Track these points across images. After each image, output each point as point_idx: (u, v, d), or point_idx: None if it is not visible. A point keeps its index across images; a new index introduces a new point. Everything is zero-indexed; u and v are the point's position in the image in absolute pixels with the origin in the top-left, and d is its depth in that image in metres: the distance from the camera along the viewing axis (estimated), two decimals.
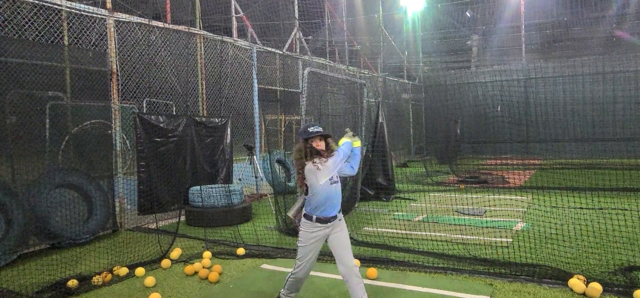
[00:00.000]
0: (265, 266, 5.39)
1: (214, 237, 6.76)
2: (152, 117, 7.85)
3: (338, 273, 3.80)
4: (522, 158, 16.54)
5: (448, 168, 14.08)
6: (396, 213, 8.11)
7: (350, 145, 3.82)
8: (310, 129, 3.68)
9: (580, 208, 7.31)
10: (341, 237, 3.76)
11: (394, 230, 6.80)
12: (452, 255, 5.41)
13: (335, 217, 3.74)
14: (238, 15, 10.98)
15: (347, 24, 16.30)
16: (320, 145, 3.66)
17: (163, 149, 7.90)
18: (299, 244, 3.78)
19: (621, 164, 13.37)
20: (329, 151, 3.69)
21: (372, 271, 4.86)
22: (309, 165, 3.61)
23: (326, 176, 3.61)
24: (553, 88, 18.20)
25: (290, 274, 3.88)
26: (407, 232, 6.62)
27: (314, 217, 3.67)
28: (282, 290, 3.97)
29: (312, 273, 4.69)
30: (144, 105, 8.30)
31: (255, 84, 10.55)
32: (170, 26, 8.52)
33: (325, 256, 5.59)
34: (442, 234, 6.45)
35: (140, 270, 5.20)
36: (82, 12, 6.95)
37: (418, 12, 20.65)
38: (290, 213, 3.88)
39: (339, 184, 3.76)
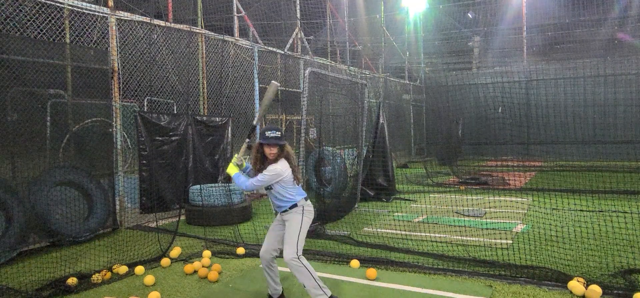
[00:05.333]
0: None
1: (214, 236, 6.76)
2: (154, 115, 7.86)
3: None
4: (523, 160, 16.52)
5: (448, 169, 14.07)
6: (396, 214, 8.11)
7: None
8: (268, 134, 3.91)
9: (581, 210, 7.31)
10: (287, 227, 4.02)
11: (394, 231, 6.79)
12: (451, 256, 5.41)
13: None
14: (240, 14, 10.98)
15: (349, 24, 16.29)
16: (272, 152, 3.90)
17: (164, 148, 7.91)
18: (301, 229, 4.04)
19: (622, 167, 13.36)
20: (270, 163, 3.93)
21: (372, 271, 4.86)
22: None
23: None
24: (554, 90, 18.18)
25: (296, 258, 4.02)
26: (407, 232, 6.62)
27: (307, 198, 4.12)
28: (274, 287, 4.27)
29: None
30: (145, 103, 8.30)
31: (257, 84, 10.56)
32: (172, 25, 8.52)
33: (323, 256, 5.59)
34: (442, 235, 6.45)
35: (139, 269, 5.21)
36: (84, 10, 6.95)
37: (420, 13, 20.65)
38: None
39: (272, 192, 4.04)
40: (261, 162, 3.98)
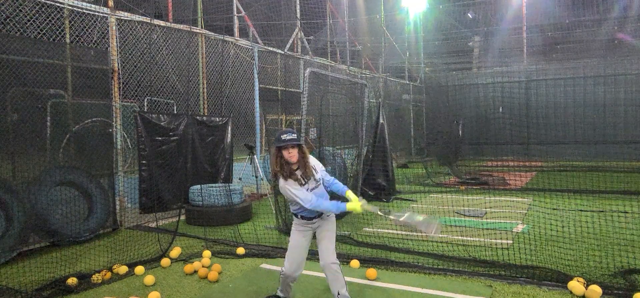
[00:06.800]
0: (265, 266, 5.39)
1: (214, 236, 6.76)
2: (153, 115, 7.86)
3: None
4: (523, 160, 16.52)
5: (448, 170, 14.07)
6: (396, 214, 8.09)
7: (341, 206, 3.64)
8: (284, 137, 3.61)
9: (581, 210, 7.31)
10: (324, 233, 3.81)
11: (394, 231, 6.79)
12: (451, 256, 5.41)
13: (318, 216, 3.79)
14: (240, 14, 10.98)
15: (349, 24, 16.29)
16: (292, 154, 3.61)
17: (164, 148, 7.90)
18: (289, 241, 3.91)
19: (622, 167, 13.36)
20: (303, 163, 3.66)
21: (372, 272, 4.86)
22: (281, 183, 3.63)
23: (300, 191, 3.61)
24: (554, 90, 18.19)
25: (281, 272, 3.99)
26: (407, 232, 6.61)
27: (298, 215, 3.78)
28: (279, 292, 4.11)
29: (307, 272, 4.71)
30: (145, 103, 8.30)
31: (257, 84, 10.56)
32: (172, 25, 8.52)
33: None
34: (442, 235, 6.44)
35: (139, 269, 5.21)
36: (84, 10, 6.95)
37: (420, 13, 20.65)
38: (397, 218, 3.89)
39: (320, 188, 3.76)
40: (281, 167, 3.67)
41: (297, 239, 3.84)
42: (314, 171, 3.73)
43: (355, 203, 3.66)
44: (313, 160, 3.81)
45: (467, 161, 16.11)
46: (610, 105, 17.08)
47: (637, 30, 18.07)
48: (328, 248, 3.75)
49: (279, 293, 4.12)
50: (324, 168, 3.87)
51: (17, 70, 6.08)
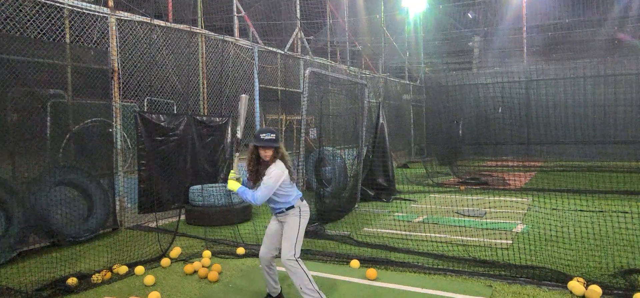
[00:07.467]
0: None
1: (214, 236, 6.76)
2: (153, 115, 7.86)
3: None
4: (523, 160, 16.51)
5: (448, 170, 14.07)
6: (396, 214, 8.11)
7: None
8: (263, 137, 3.85)
9: (581, 210, 7.30)
10: (284, 232, 3.99)
11: (394, 231, 6.79)
12: (451, 256, 5.41)
13: (280, 212, 4.01)
14: (240, 14, 10.98)
15: (349, 25, 16.29)
16: (267, 154, 3.87)
17: (164, 148, 7.90)
18: None
19: (622, 167, 13.35)
20: (266, 165, 3.89)
21: (372, 272, 4.86)
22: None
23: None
24: (554, 90, 18.18)
25: None
26: (407, 233, 6.62)
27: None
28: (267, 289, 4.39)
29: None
30: (145, 103, 8.30)
31: (257, 84, 10.55)
32: (172, 25, 8.52)
33: (323, 256, 5.60)
34: (442, 235, 6.44)
35: (139, 269, 5.21)
36: (84, 10, 6.95)
37: (420, 13, 20.65)
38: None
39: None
40: (256, 164, 3.99)
41: (269, 224, 4.18)
42: (263, 178, 3.89)
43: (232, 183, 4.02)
44: (275, 173, 3.83)
45: (467, 161, 16.11)
46: (610, 105, 17.07)
47: (637, 30, 18.09)
48: (284, 246, 3.91)
49: (269, 291, 4.24)
50: (272, 179, 3.82)
51: (17, 70, 6.07)
